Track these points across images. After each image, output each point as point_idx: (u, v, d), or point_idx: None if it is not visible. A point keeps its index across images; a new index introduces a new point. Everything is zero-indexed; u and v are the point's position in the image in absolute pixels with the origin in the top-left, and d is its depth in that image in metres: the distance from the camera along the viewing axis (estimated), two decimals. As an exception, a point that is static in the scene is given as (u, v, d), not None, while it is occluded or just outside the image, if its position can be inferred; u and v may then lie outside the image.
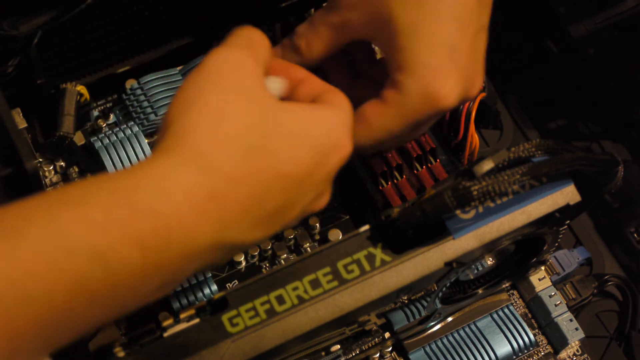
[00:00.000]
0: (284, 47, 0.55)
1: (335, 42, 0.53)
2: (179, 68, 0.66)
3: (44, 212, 0.38)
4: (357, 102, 0.50)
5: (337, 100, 0.48)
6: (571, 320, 0.63)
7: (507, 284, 0.63)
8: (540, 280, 0.63)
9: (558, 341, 0.63)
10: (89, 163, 0.62)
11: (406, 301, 0.60)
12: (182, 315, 0.48)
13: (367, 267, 0.49)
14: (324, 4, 0.56)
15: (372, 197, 0.62)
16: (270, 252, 0.62)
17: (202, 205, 0.41)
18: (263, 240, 0.47)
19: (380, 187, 0.61)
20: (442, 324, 0.61)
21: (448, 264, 0.50)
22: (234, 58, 0.45)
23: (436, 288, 0.55)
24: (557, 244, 0.58)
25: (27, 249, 0.37)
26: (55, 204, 0.39)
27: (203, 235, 0.41)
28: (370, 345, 0.59)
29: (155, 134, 0.66)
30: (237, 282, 0.62)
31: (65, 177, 0.64)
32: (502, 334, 0.62)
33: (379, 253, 0.50)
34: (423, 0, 0.49)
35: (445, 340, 0.61)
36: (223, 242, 0.43)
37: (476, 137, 0.64)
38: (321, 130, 0.45)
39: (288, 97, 0.49)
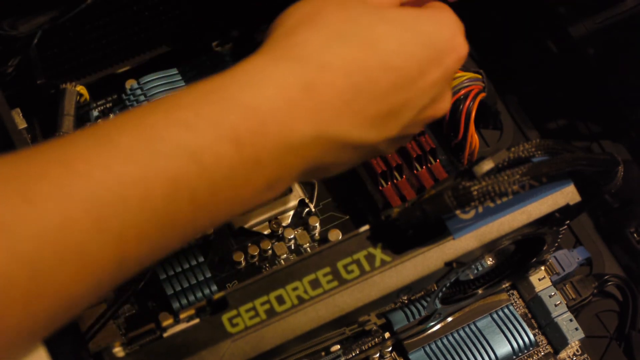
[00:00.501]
0: None
1: None
2: (178, 68, 0.66)
3: (136, 120, 0.38)
4: None
5: (446, 7, 0.47)
6: (571, 320, 0.63)
7: (507, 284, 0.63)
8: (540, 280, 0.63)
9: (558, 341, 0.63)
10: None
11: (406, 301, 0.60)
12: (182, 315, 0.48)
13: (367, 267, 0.49)
14: None
15: (372, 197, 0.62)
16: (270, 252, 0.62)
17: (296, 95, 0.40)
18: (380, 142, 0.45)
19: (380, 187, 0.61)
20: (442, 324, 0.61)
21: (448, 264, 0.50)
22: None
23: (436, 288, 0.55)
24: (557, 244, 0.58)
25: (119, 155, 0.36)
26: (147, 111, 0.39)
27: (301, 128, 0.40)
28: (370, 345, 0.59)
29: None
30: (237, 282, 0.62)
31: (65, 177, 0.64)
32: (502, 334, 0.62)
33: (379, 253, 0.50)
34: None
35: (445, 340, 0.61)
36: (327, 135, 0.41)
37: (476, 137, 0.64)
38: (435, 26, 0.44)
39: None
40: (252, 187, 0.40)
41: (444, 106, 0.47)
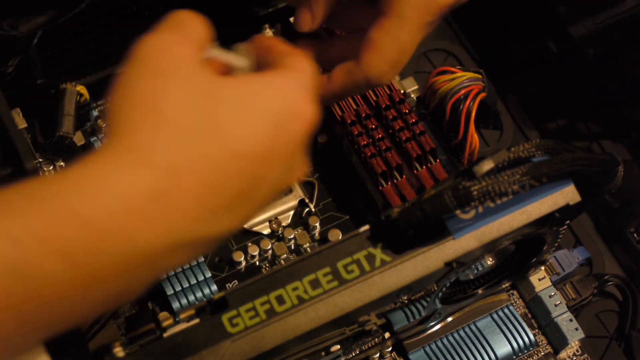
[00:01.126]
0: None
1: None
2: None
3: None
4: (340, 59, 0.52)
5: (295, 63, 0.44)
6: (571, 320, 0.63)
7: (507, 284, 0.63)
8: (540, 280, 0.63)
9: (558, 341, 0.63)
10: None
11: (406, 301, 0.60)
12: (182, 316, 0.48)
13: (367, 267, 0.49)
14: None
15: (372, 197, 0.62)
16: (270, 252, 0.62)
17: (143, 205, 0.37)
18: (237, 228, 0.42)
19: (380, 187, 0.61)
20: (442, 324, 0.61)
21: (448, 264, 0.50)
22: (161, 41, 0.41)
23: (436, 288, 0.55)
24: (557, 244, 0.58)
25: None
26: None
27: (150, 239, 0.37)
28: (370, 345, 0.59)
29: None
30: (237, 282, 0.62)
31: (65, 177, 0.64)
32: (502, 334, 0.62)
33: (379, 253, 0.50)
34: None
35: (445, 340, 0.61)
36: (182, 241, 0.38)
37: (476, 137, 0.64)
38: (273, 98, 0.41)
39: (257, 68, 0.46)
40: (91, 303, 0.38)
41: (298, 173, 0.44)
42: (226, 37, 0.47)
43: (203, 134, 0.39)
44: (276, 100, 0.41)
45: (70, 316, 0.38)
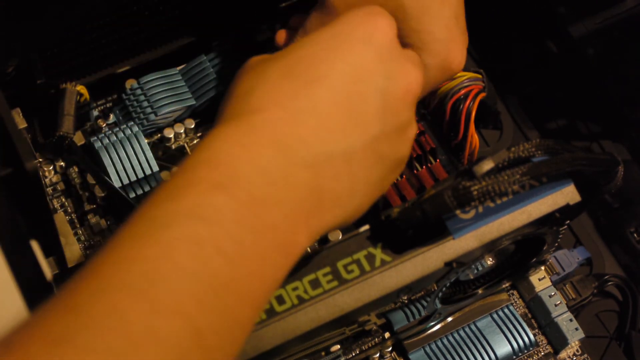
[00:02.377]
0: None
1: None
2: (179, 68, 0.66)
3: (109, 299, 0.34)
4: None
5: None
6: (571, 320, 0.63)
7: (507, 284, 0.63)
8: (540, 280, 0.63)
9: (558, 341, 0.63)
10: (89, 163, 0.62)
11: (406, 301, 0.60)
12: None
13: (367, 267, 0.49)
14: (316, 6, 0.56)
15: (372, 197, 0.62)
16: (270, 252, 0.62)
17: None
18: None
19: (380, 187, 0.61)
20: (442, 324, 0.61)
21: (448, 264, 0.50)
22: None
23: (436, 288, 0.55)
24: (557, 244, 0.58)
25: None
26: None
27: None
28: (370, 345, 0.59)
29: (154, 134, 0.66)
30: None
31: (65, 177, 0.64)
32: (502, 334, 0.62)
33: (378, 253, 0.50)
34: None
35: (445, 340, 0.61)
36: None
37: (476, 137, 0.64)
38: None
39: None
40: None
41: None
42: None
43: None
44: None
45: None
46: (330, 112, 0.42)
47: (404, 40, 0.53)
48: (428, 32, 0.54)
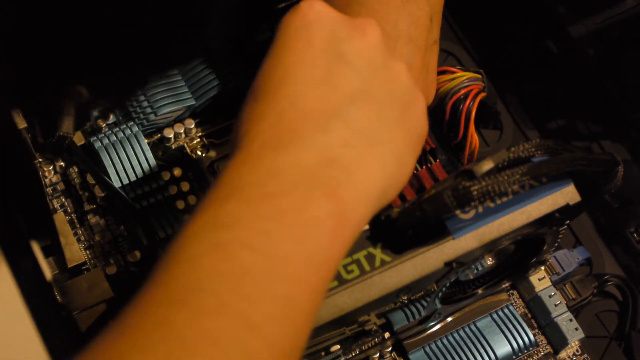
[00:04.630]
0: None
1: None
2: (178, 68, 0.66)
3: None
4: None
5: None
6: (571, 320, 0.63)
7: (507, 284, 0.63)
8: (540, 280, 0.63)
9: (558, 341, 0.63)
10: (89, 163, 0.62)
11: (406, 301, 0.60)
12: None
13: (367, 267, 0.49)
14: None
15: (372, 197, 0.62)
16: (270, 252, 0.62)
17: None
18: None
19: (380, 187, 0.61)
20: (442, 324, 0.61)
21: (448, 264, 0.50)
22: None
23: (436, 288, 0.55)
24: (557, 244, 0.58)
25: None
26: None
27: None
28: (370, 345, 0.59)
29: (154, 134, 0.66)
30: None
31: (65, 177, 0.64)
32: (502, 334, 0.62)
33: (378, 253, 0.50)
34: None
35: (445, 340, 0.61)
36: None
37: (476, 137, 0.64)
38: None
39: None
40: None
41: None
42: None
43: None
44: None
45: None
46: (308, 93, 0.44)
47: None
48: None
